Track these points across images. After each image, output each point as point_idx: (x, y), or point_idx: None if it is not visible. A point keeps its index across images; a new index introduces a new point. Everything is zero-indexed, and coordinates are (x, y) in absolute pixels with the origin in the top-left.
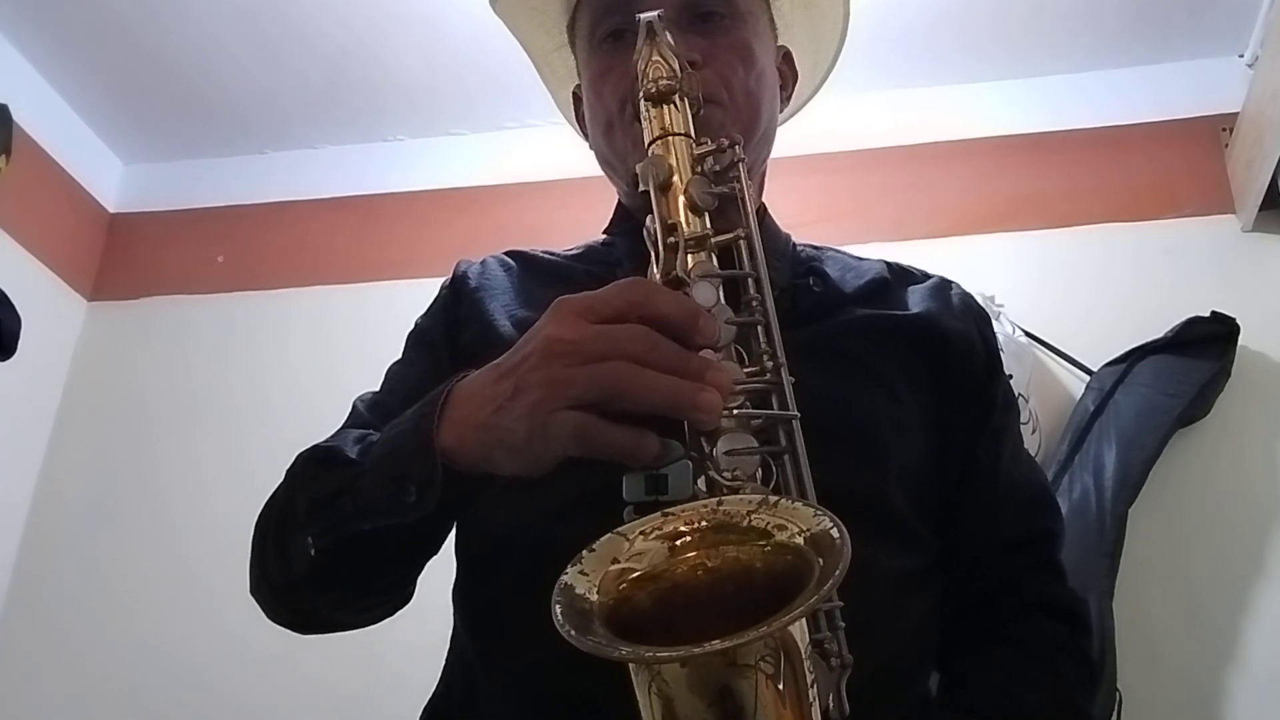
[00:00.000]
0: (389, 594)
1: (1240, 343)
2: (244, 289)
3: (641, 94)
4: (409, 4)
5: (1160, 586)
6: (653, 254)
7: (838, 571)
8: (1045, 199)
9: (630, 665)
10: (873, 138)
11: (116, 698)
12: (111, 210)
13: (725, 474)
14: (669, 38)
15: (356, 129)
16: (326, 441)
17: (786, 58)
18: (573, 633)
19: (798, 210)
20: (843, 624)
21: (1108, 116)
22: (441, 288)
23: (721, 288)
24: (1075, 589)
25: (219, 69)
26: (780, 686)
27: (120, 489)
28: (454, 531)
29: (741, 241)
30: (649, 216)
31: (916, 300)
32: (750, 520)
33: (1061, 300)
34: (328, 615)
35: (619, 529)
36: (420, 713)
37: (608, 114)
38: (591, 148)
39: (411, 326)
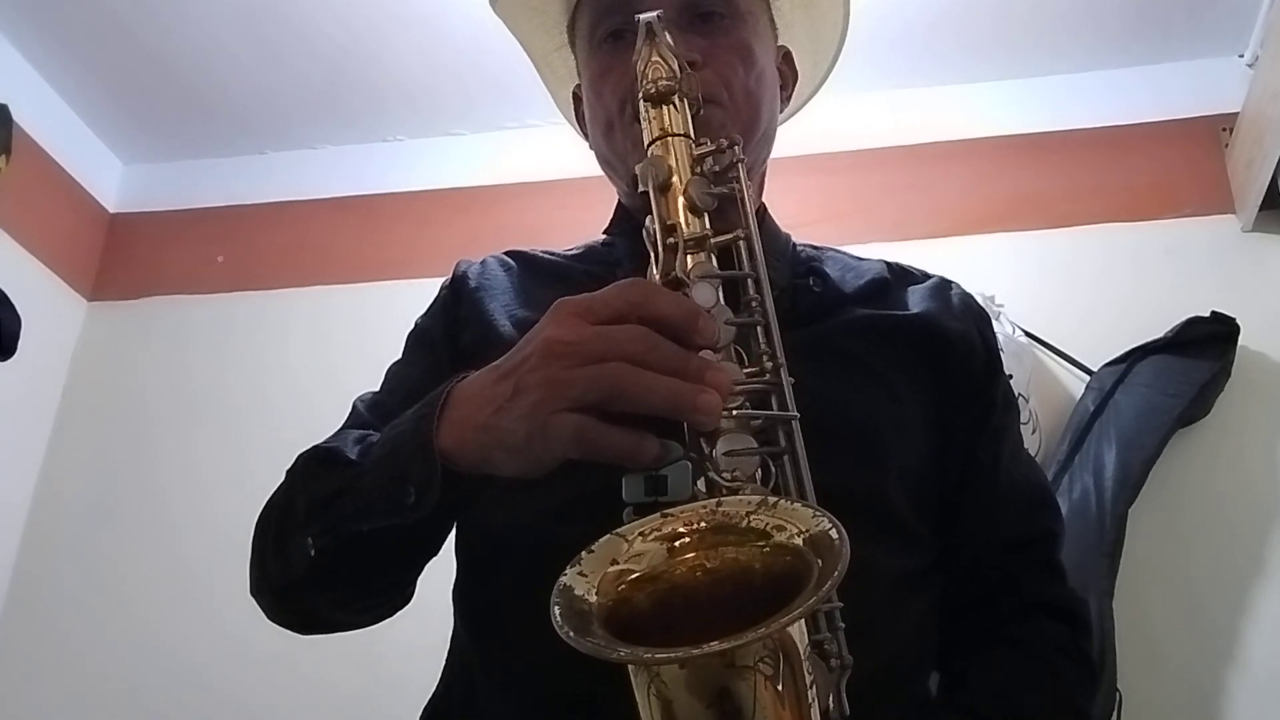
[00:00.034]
0: (389, 594)
1: (1240, 343)
2: (244, 289)
3: (641, 95)
4: (409, 4)
5: (1160, 586)
6: (652, 255)
7: (836, 573)
8: (1045, 199)
9: (629, 666)
10: (873, 138)
11: (116, 698)
12: (111, 210)
13: (725, 475)
14: (668, 38)
15: (356, 129)
16: (326, 442)
17: (786, 58)
18: (571, 634)
19: (798, 210)
20: (842, 624)
21: (1108, 116)
22: (441, 288)
23: (721, 288)
24: (1075, 589)
25: (219, 69)
26: (779, 687)
27: (120, 489)
28: (454, 532)
29: (741, 242)
30: (648, 217)
31: (916, 300)
32: (749, 521)
33: (1061, 300)
34: (328, 615)
35: (618, 530)
36: (420, 713)
37: (607, 114)
38: (591, 148)
39: (411, 326)
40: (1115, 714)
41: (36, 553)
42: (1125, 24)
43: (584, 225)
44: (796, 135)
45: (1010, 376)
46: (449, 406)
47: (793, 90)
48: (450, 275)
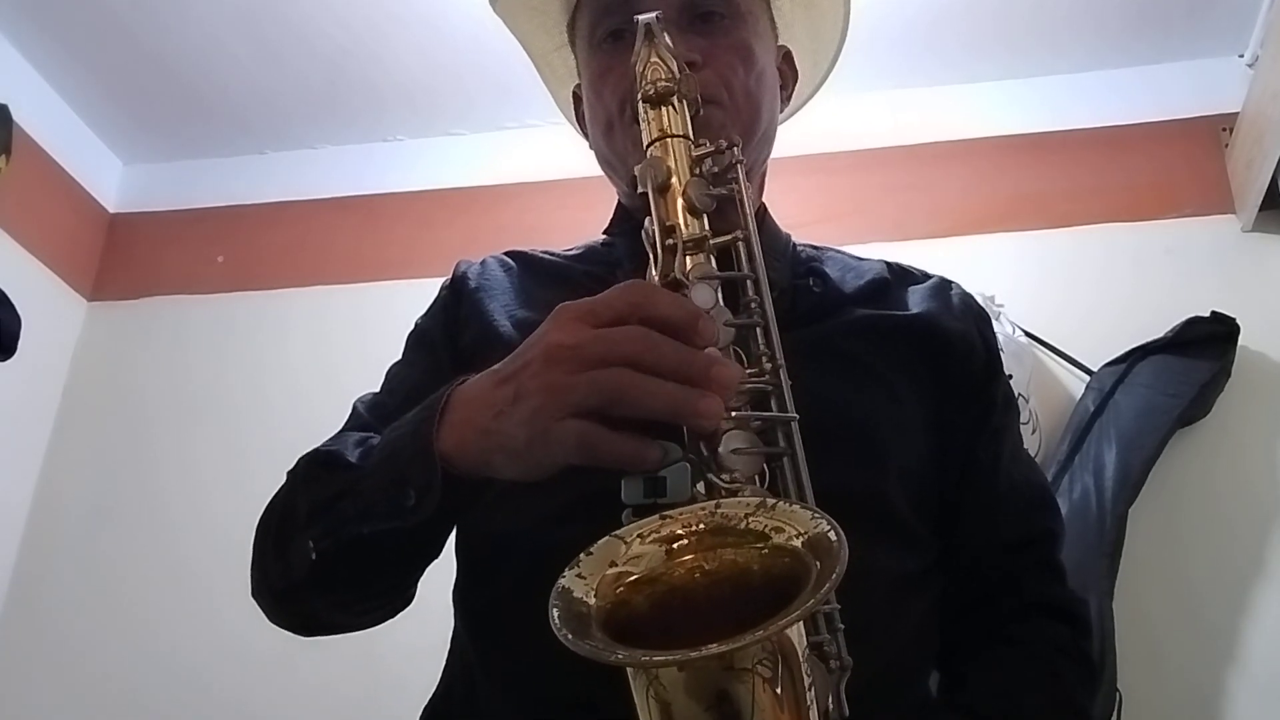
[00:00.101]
0: (389, 597)
1: (1240, 343)
2: (244, 289)
3: (640, 96)
4: (409, 4)
5: (1160, 586)
6: (651, 256)
7: (835, 575)
8: (1045, 199)
9: (628, 669)
10: (873, 138)
11: (116, 698)
12: (111, 210)
13: (724, 477)
14: (667, 39)
15: (356, 129)
16: (327, 444)
17: (787, 57)
18: (570, 636)
19: (798, 210)
20: (841, 626)
21: (1108, 116)
22: (441, 288)
23: (720, 289)
24: (1075, 589)
25: (219, 69)
26: (778, 690)
27: (120, 489)
28: (454, 533)
29: (740, 243)
30: (647, 218)
31: (917, 300)
32: (748, 523)
33: (1061, 300)
34: (328, 618)
35: (616, 532)
36: (420, 714)
37: (607, 114)
38: (591, 148)
39: (411, 327)
40: (1115, 714)
41: (36, 553)
42: (1125, 24)
43: (584, 225)
44: (796, 135)
45: (1010, 376)
46: (449, 409)
47: (793, 90)
48: (450, 275)
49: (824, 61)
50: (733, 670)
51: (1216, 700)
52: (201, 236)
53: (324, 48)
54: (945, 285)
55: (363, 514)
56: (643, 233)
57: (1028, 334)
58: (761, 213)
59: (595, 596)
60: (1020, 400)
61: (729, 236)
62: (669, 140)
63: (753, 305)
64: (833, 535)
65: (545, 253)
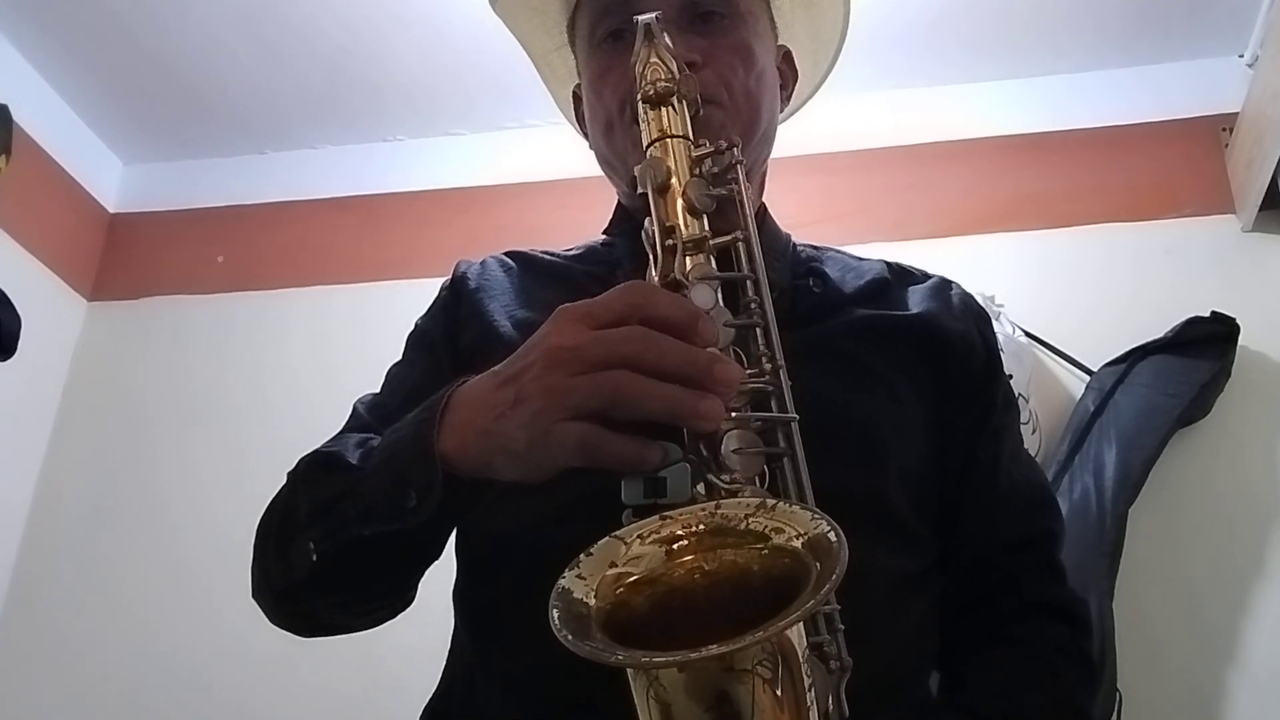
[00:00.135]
0: (390, 598)
1: (1240, 343)
2: (244, 289)
3: (639, 96)
4: (409, 4)
5: (1160, 586)
6: (651, 257)
7: (834, 576)
8: (1045, 199)
9: (628, 670)
10: (873, 138)
11: (116, 698)
12: (111, 210)
13: (724, 477)
14: (667, 39)
15: (356, 129)
16: (327, 445)
17: (786, 57)
18: (570, 637)
19: (798, 210)
20: (841, 626)
21: (1108, 116)
22: (441, 288)
23: (720, 290)
24: (1075, 589)
25: (219, 69)
26: (778, 691)
27: (120, 489)
28: (454, 533)
29: (740, 243)
30: (647, 219)
31: (917, 300)
32: (748, 524)
33: (1061, 300)
34: (329, 618)
35: (616, 533)
36: (420, 714)
37: (607, 114)
38: (591, 148)
39: (411, 327)
40: (1115, 714)
41: (36, 553)
42: (1125, 24)
43: (584, 225)
44: (796, 135)
45: (1010, 376)
46: (450, 411)
47: (793, 90)
48: (450, 276)
49: (824, 61)
50: (733, 671)
51: (1216, 700)
52: (201, 236)
53: (324, 48)
54: (945, 285)
55: (363, 515)
56: (643, 233)
57: (1028, 334)
58: (761, 213)
59: (595, 597)
60: (1020, 400)
61: (729, 237)
62: (669, 141)
63: (752, 306)
64: (833, 536)
65: (545, 253)
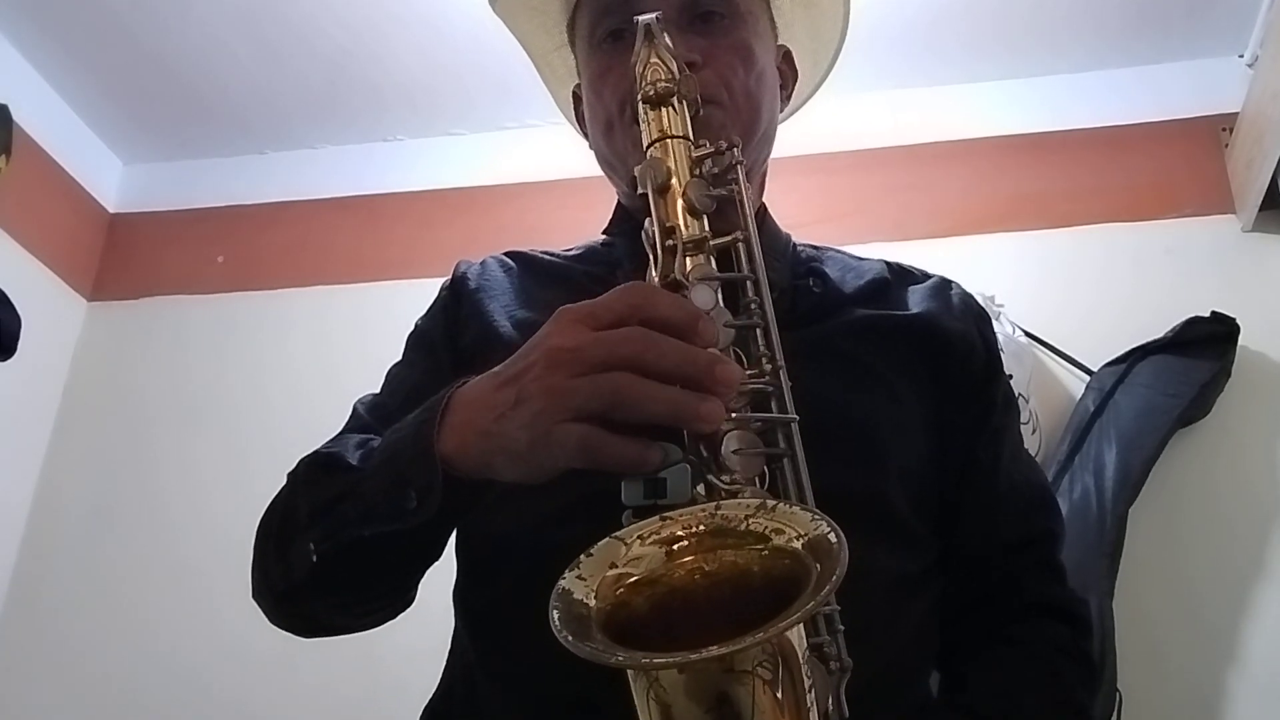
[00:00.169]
0: (390, 598)
1: (1240, 343)
2: (244, 289)
3: (640, 97)
4: (409, 4)
5: (1160, 586)
6: (651, 257)
7: (834, 577)
8: (1045, 199)
9: (628, 671)
10: (873, 138)
11: (116, 698)
12: (111, 210)
13: (724, 478)
14: (667, 40)
15: (356, 129)
16: (327, 446)
17: (786, 57)
18: (570, 638)
19: (798, 210)
20: (841, 627)
21: (1108, 116)
22: (441, 289)
23: (720, 291)
24: (1075, 589)
25: (219, 69)
26: (778, 692)
27: (120, 490)
28: (455, 534)
29: (740, 244)
30: (647, 219)
31: (917, 300)
32: (748, 524)
33: (1061, 300)
34: (329, 619)
35: (616, 534)
36: (420, 714)
37: (607, 114)
38: (591, 148)
39: (412, 327)
40: (1115, 714)
41: (36, 553)
42: (1125, 24)
43: (584, 225)
44: (796, 135)
45: (1010, 376)
46: (450, 411)
47: (793, 89)
48: (450, 276)
49: (824, 61)
50: (733, 672)
51: (1216, 700)
52: (201, 236)
53: (324, 48)
54: (945, 285)
55: (363, 516)
56: (643, 234)
57: (1028, 334)
58: (761, 213)
59: (595, 598)
60: (1020, 400)
61: (729, 237)
62: (669, 141)
63: (752, 306)
64: (833, 537)
65: (545, 253)
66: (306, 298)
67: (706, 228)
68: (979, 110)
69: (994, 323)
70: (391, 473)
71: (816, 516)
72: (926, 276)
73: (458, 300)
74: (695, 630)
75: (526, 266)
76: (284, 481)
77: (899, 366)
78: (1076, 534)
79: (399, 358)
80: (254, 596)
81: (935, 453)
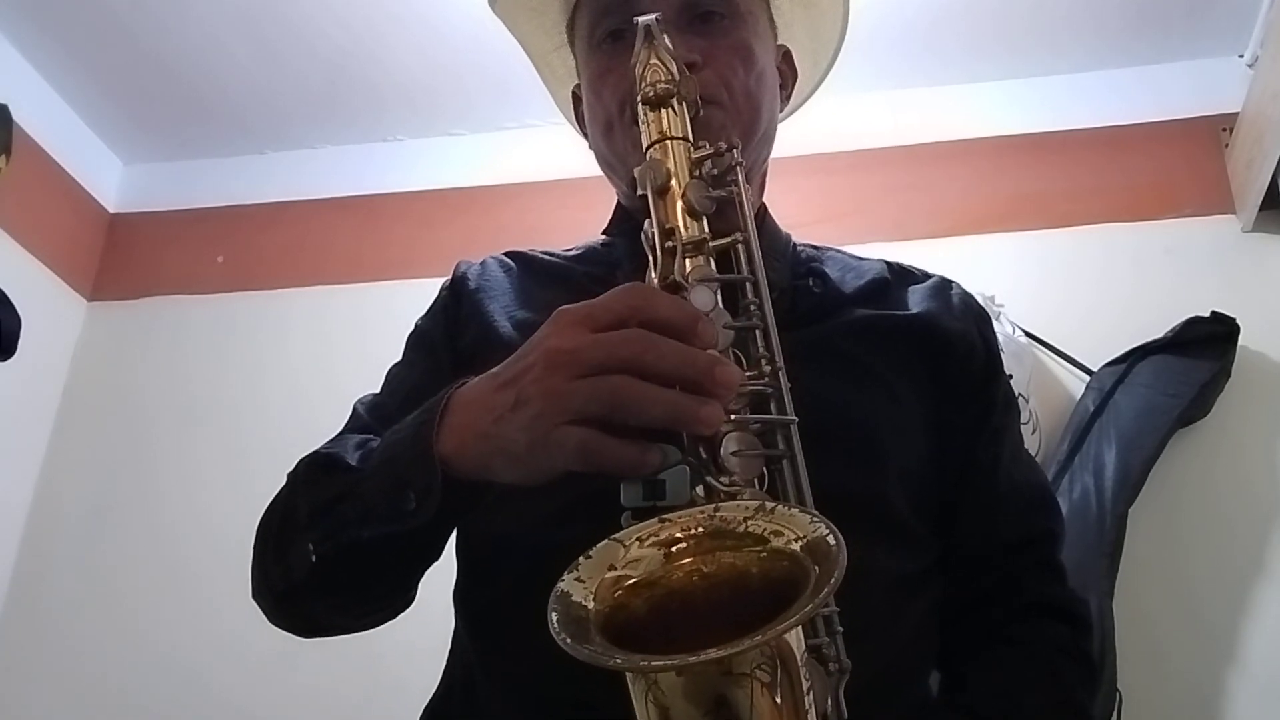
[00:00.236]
0: (390, 599)
1: (1240, 343)
2: (244, 289)
3: (639, 98)
4: (409, 4)
5: (1160, 586)
6: (650, 258)
7: (833, 579)
8: (1045, 199)
9: (626, 673)
10: (873, 138)
11: (116, 699)
12: (111, 210)
13: (723, 479)
14: (666, 41)
15: (356, 129)
16: (326, 447)
17: (786, 57)
18: (569, 641)
19: (798, 210)
20: (840, 629)
21: (1108, 116)
22: (441, 289)
23: (719, 292)
24: (1075, 589)
25: (219, 69)
26: (777, 694)
27: (120, 490)
28: (455, 534)
29: (740, 245)
30: (647, 220)
31: (917, 300)
32: (746, 526)
33: (1061, 300)
34: (328, 620)
35: (615, 535)
36: (420, 715)
37: (607, 115)
38: (591, 148)
39: (411, 327)
40: (1115, 714)
41: (36, 553)
42: (1125, 24)
43: (584, 225)
44: (796, 135)
45: (1010, 376)
46: (449, 413)
47: (792, 89)
48: (450, 276)
49: (824, 61)
50: (731, 675)
51: (1216, 700)
52: (201, 236)
53: (324, 48)
54: (945, 285)
55: (362, 517)
56: (642, 235)
57: (1028, 334)
58: (762, 213)
59: (594, 600)
60: (1020, 400)
61: (728, 239)
62: (668, 142)
63: (752, 308)
64: (831, 539)
65: (545, 253)
66: (306, 298)
67: (706, 229)
68: (979, 110)
69: (994, 323)
70: (390, 474)
71: (815, 519)
72: (927, 276)
73: (458, 300)
74: (694, 632)
75: (526, 267)
76: (284, 482)
77: (899, 366)
78: (1076, 534)
79: (398, 358)
80: (254, 596)
81: (935, 453)
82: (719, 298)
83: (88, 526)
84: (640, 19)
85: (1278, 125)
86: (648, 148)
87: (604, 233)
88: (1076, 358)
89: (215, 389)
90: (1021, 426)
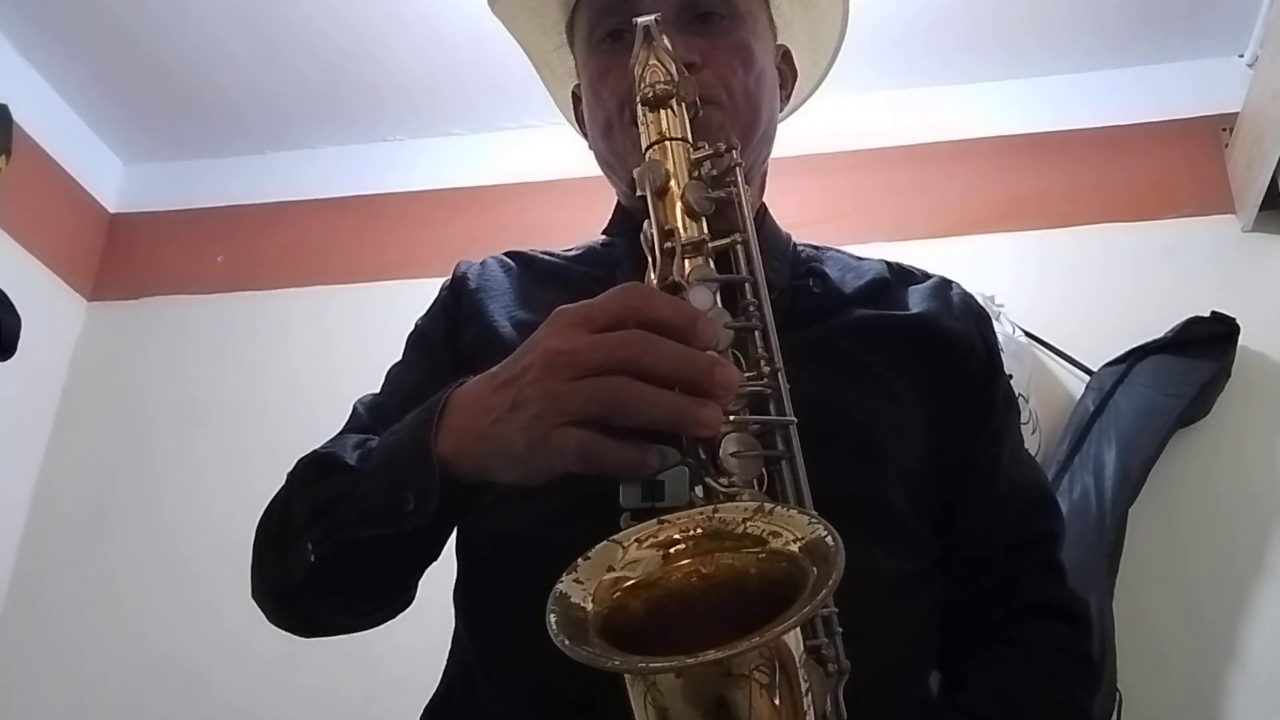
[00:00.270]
0: (389, 599)
1: (1240, 343)
2: (244, 289)
3: (638, 99)
4: (409, 4)
5: (1160, 586)
6: (649, 259)
7: (831, 581)
8: (1045, 199)
9: (625, 674)
10: (873, 138)
11: (116, 699)
12: (111, 210)
13: (722, 480)
14: (666, 41)
15: (356, 129)
16: (325, 447)
17: (786, 56)
18: (567, 642)
19: (798, 210)
20: (840, 629)
21: (1108, 116)
22: (441, 289)
23: (718, 293)
24: (1075, 589)
25: (219, 69)
26: (775, 696)
27: (120, 490)
28: (454, 534)
29: (739, 246)
30: (646, 221)
31: (917, 300)
32: (745, 528)
33: (1061, 300)
34: (328, 620)
35: (614, 537)
36: (420, 714)
37: (607, 115)
38: (591, 148)
39: (411, 328)
40: (1115, 714)
41: (36, 553)
42: (1125, 24)
43: (584, 225)
44: (796, 135)
45: (1010, 376)
46: (447, 413)
47: (792, 89)
48: (450, 276)
49: (823, 60)
50: (730, 676)
51: (1216, 700)
52: (201, 236)
53: (324, 48)
54: (945, 285)
55: (361, 517)
56: (641, 236)
57: (1028, 334)
58: (762, 213)
59: (593, 602)
60: (1020, 400)
61: (727, 240)
62: (667, 143)
63: (751, 308)
64: (830, 540)
65: (545, 253)
66: (306, 298)
67: (705, 230)
68: (979, 110)
69: (994, 323)
70: (389, 474)
71: (814, 520)
72: (927, 276)
73: (458, 300)
74: (692, 634)
75: (526, 267)
76: (283, 481)
77: (899, 366)
78: (1076, 534)
79: (398, 358)
80: (253, 596)
81: (935, 453)
82: (718, 298)
83: (88, 526)
84: (639, 20)
85: (1278, 125)
86: (647, 148)
87: (604, 233)
88: (1076, 358)
89: (215, 389)
90: (1021, 426)
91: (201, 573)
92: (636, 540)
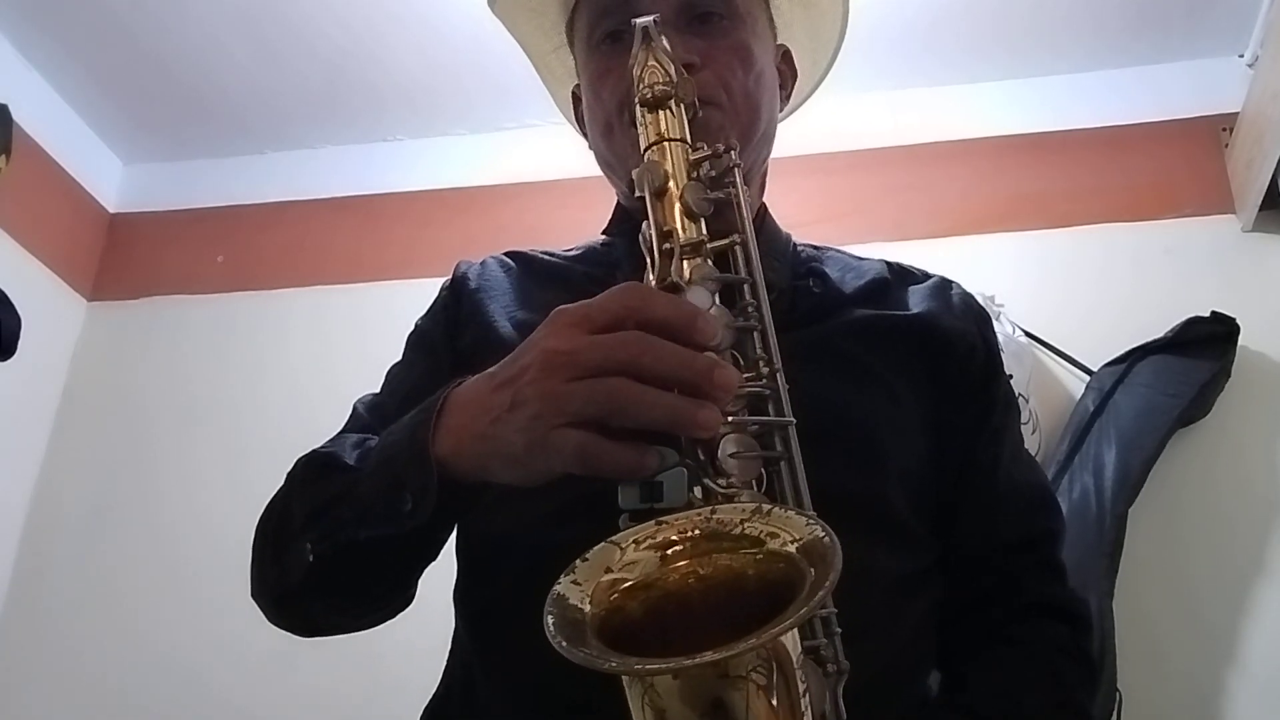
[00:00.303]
0: (389, 599)
1: (1240, 343)
2: (244, 289)
3: (637, 100)
4: (409, 4)
5: (1160, 586)
6: (649, 260)
7: (829, 581)
8: (1045, 199)
9: (623, 676)
10: (873, 138)
11: (116, 699)
12: (111, 210)
13: (721, 481)
14: (665, 42)
15: (356, 129)
16: (324, 447)
17: (785, 56)
18: (564, 644)
19: (798, 210)
20: (838, 630)
21: (1108, 116)
22: (441, 289)
23: (717, 293)
24: (1075, 589)
25: (219, 69)
26: (773, 697)
27: (120, 490)
28: (454, 533)
29: (737, 247)
30: (645, 222)
31: (917, 300)
32: (743, 529)
33: (1061, 300)
34: (327, 620)
35: (612, 538)
36: (420, 714)
37: (606, 116)
38: (591, 148)
39: (411, 328)
40: (1115, 714)
41: (36, 553)
42: (1125, 24)
43: (584, 225)
44: (796, 135)
45: (1010, 376)
46: (446, 413)
47: (792, 89)
48: (450, 276)
49: (823, 60)
50: (727, 677)
51: (1216, 700)
52: (201, 236)
53: (324, 48)
54: (945, 285)
55: (359, 517)
56: (640, 237)
57: (1028, 334)
58: (762, 213)
59: (590, 603)
60: (1020, 400)
61: (726, 240)
62: (666, 144)
63: (750, 309)
64: (827, 541)
65: (545, 253)
66: (306, 298)
67: (704, 231)
68: (979, 110)
69: (994, 323)
70: (387, 474)
71: (811, 521)
72: (927, 276)
73: (458, 300)
74: (690, 635)
75: (526, 267)
76: (283, 481)
77: (898, 367)
78: (1076, 534)
79: (398, 358)
80: (253, 597)
81: (934, 453)
82: (716, 299)
83: (88, 526)
84: (637, 20)
85: (1278, 125)
86: (645, 149)
87: (604, 233)
88: (1076, 358)
89: (215, 389)
90: (1021, 426)
91: (201, 573)
92: (634, 541)
